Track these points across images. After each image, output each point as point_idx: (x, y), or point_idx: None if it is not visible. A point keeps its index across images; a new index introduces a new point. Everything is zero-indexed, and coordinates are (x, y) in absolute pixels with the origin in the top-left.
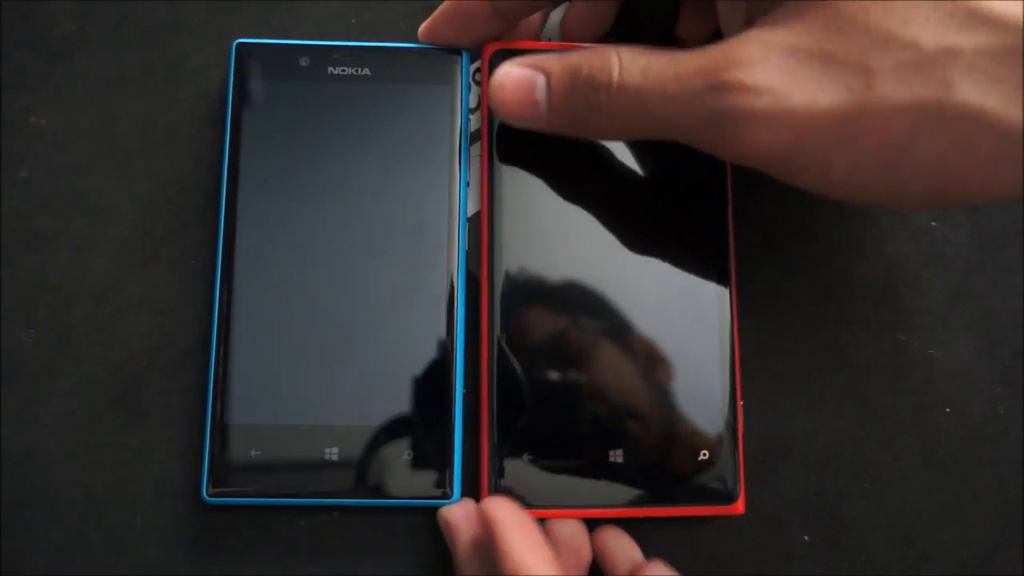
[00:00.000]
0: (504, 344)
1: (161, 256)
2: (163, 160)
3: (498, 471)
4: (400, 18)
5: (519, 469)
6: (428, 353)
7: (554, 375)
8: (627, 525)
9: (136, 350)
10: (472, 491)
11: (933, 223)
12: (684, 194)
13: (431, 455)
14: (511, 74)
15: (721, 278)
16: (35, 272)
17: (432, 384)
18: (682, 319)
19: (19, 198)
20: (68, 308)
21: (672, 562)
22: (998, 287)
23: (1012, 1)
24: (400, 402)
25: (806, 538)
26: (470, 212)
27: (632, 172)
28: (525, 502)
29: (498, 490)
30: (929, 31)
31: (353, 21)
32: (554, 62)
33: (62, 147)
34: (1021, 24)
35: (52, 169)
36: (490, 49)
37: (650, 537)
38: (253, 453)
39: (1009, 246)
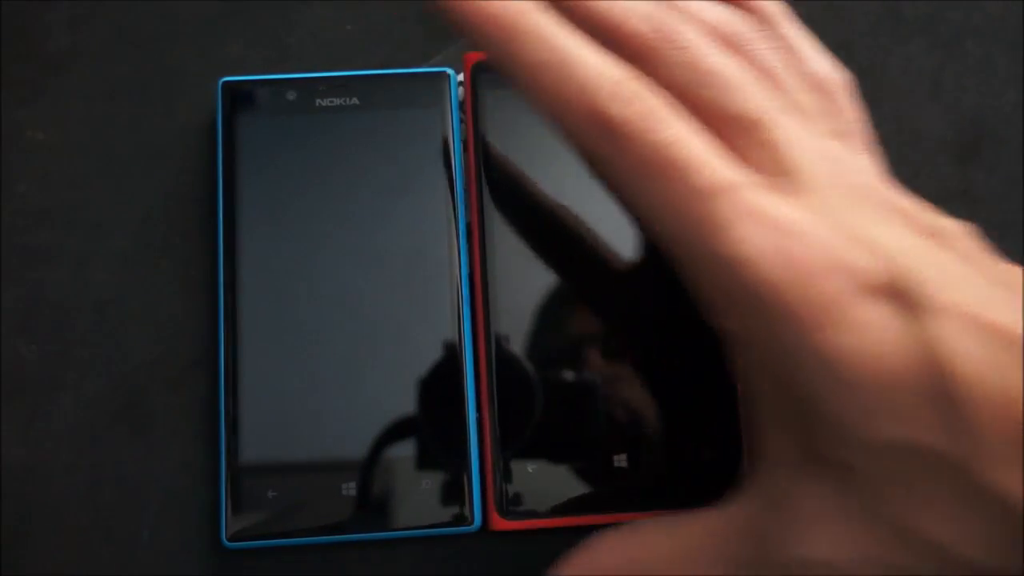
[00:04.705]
0: (503, 353)
1: (161, 268)
2: (161, 172)
3: (502, 480)
4: (396, 23)
5: (523, 480)
6: (439, 378)
7: (554, 383)
8: None
9: (138, 363)
10: (484, 509)
11: None
12: None
13: (449, 482)
14: None
15: None
16: (35, 286)
17: (446, 410)
18: (679, 318)
19: (17, 212)
20: (68, 322)
21: None
22: None
23: None
24: (415, 430)
25: None
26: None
27: None
28: (532, 512)
29: (506, 501)
30: None
31: (348, 28)
32: None
33: (59, 161)
34: None
35: (50, 183)
36: (471, 60)
37: None
38: (270, 494)
39: (1009, 238)
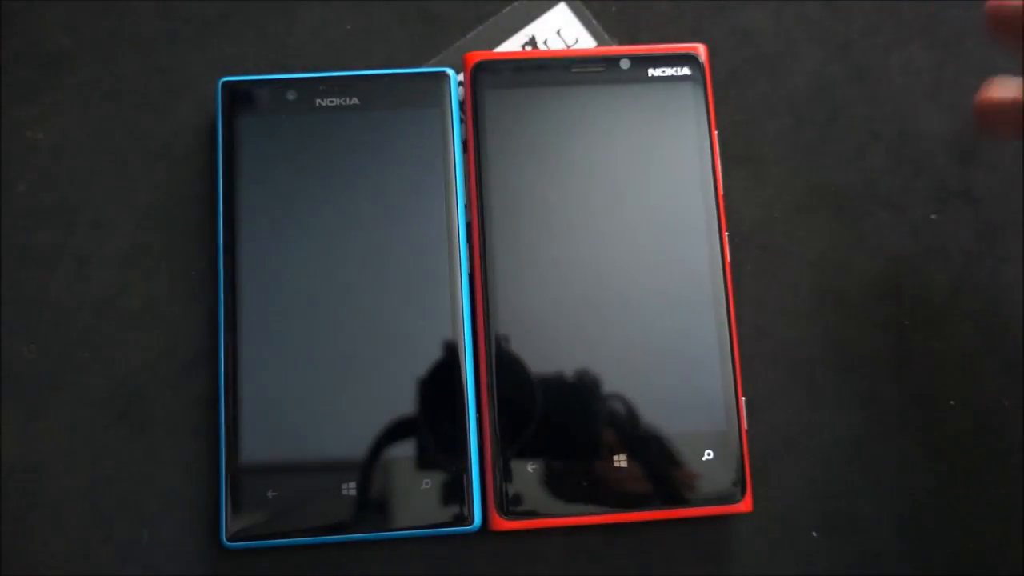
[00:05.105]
0: (503, 353)
1: (161, 268)
2: (161, 171)
3: (502, 480)
4: (395, 22)
5: (523, 480)
6: (439, 378)
7: (553, 383)
8: (636, 529)
9: (138, 363)
10: (484, 509)
11: (933, 216)
12: (674, 192)
13: (449, 482)
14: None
15: (716, 274)
16: (35, 286)
17: (446, 410)
18: (679, 317)
19: (18, 212)
20: (69, 322)
21: (679, 562)
22: (998, 279)
23: None
24: (415, 430)
25: (814, 534)
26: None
27: (620, 173)
28: (532, 512)
29: (506, 501)
30: None
31: (348, 27)
32: None
33: (59, 160)
34: None
35: (50, 183)
36: (472, 60)
37: (656, 538)
38: (270, 494)
39: (1009, 237)
